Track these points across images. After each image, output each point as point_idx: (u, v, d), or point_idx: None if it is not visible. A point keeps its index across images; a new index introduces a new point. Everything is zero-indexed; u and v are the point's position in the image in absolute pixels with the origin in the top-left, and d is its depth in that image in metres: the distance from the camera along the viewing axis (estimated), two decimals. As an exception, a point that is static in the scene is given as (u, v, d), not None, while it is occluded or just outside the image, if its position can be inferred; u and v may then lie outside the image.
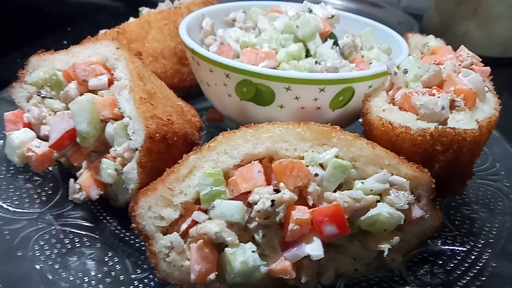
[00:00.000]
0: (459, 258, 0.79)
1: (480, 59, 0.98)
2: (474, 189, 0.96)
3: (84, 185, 0.83)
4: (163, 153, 0.78)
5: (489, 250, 0.80)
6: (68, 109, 0.86)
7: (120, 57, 0.86)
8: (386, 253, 0.68)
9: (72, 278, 0.69)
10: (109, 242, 0.78)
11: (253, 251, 0.63)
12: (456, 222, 0.87)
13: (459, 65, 0.92)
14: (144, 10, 1.31)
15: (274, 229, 0.65)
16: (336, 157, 0.69)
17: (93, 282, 0.69)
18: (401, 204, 0.68)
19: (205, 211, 0.65)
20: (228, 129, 0.71)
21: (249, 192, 0.65)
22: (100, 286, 0.69)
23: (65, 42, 1.68)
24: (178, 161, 0.68)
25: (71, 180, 0.83)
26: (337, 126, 0.72)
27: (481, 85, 0.84)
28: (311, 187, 0.66)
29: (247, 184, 0.64)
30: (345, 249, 0.71)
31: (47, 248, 0.72)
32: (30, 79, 0.94)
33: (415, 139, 0.76)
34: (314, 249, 0.64)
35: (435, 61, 0.96)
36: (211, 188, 0.64)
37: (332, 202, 0.67)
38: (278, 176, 0.66)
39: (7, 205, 0.78)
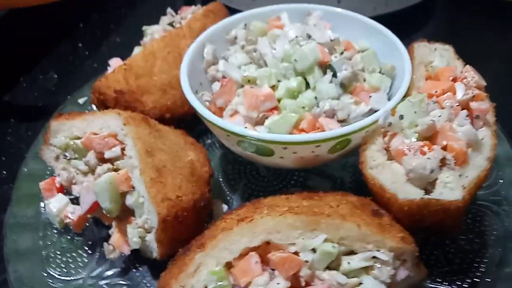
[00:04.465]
0: (448, 298, 0.88)
1: (484, 83, 0.97)
2: (472, 213, 1.01)
3: (116, 245, 0.97)
4: (177, 227, 0.89)
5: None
6: (93, 171, 0.98)
7: (128, 134, 0.93)
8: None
9: None
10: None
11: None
12: (449, 256, 0.95)
13: (457, 105, 0.91)
14: (148, 30, 1.33)
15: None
16: (326, 240, 0.77)
17: None
18: (384, 279, 0.77)
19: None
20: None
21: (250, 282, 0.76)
22: None
23: (80, 45, 1.73)
24: (187, 257, 0.78)
25: (105, 244, 0.97)
26: (326, 211, 0.78)
27: (475, 137, 0.85)
28: (302, 272, 0.76)
29: (246, 277, 0.75)
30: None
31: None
32: (54, 142, 1.04)
33: (402, 206, 0.82)
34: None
35: (436, 92, 0.96)
36: (216, 283, 0.75)
37: (322, 280, 0.77)
38: (274, 264, 0.76)
39: (58, 275, 0.94)
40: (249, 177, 1.17)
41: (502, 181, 1.05)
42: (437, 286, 0.90)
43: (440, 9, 1.82)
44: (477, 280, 0.89)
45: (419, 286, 0.89)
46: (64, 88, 1.52)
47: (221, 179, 1.17)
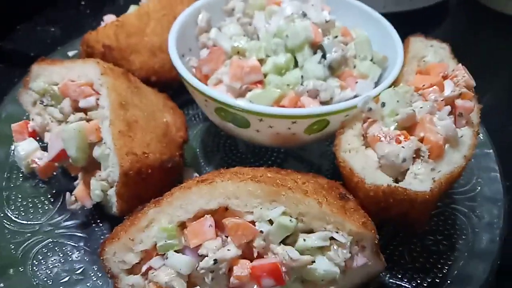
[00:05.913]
0: (402, 294, 0.86)
1: (474, 84, 0.94)
2: (445, 215, 0.98)
3: (79, 197, 0.95)
4: (140, 183, 0.88)
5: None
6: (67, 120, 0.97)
7: (104, 84, 0.91)
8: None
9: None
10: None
11: (201, 296, 0.74)
12: (414, 254, 0.92)
13: (442, 100, 0.89)
14: (146, -9, 1.30)
15: (222, 273, 0.75)
16: (284, 213, 0.75)
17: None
18: (338, 261, 0.75)
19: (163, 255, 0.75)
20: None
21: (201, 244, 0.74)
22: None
23: (83, 3, 1.70)
24: (141, 212, 0.76)
25: (67, 193, 0.95)
26: (288, 185, 0.76)
27: (453, 133, 0.83)
28: (256, 242, 0.74)
29: (197, 239, 0.73)
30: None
31: (44, 262, 0.87)
32: (33, 86, 1.02)
33: (368, 192, 0.79)
34: (255, 293, 0.73)
35: (423, 85, 0.93)
36: (165, 241, 0.73)
37: (275, 254, 0.74)
38: (227, 230, 0.74)
39: (15, 217, 0.93)
40: (227, 151, 1.15)
41: (479, 188, 1.02)
42: (397, 282, 0.88)
43: (452, 12, 1.79)
44: (437, 280, 0.87)
45: (376, 280, 0.86)
46: (59, 42, 1.50)
47: (198, 150, 1.15)
